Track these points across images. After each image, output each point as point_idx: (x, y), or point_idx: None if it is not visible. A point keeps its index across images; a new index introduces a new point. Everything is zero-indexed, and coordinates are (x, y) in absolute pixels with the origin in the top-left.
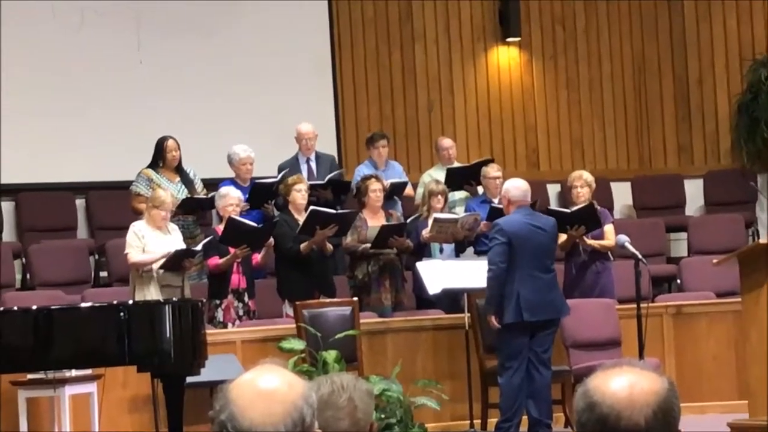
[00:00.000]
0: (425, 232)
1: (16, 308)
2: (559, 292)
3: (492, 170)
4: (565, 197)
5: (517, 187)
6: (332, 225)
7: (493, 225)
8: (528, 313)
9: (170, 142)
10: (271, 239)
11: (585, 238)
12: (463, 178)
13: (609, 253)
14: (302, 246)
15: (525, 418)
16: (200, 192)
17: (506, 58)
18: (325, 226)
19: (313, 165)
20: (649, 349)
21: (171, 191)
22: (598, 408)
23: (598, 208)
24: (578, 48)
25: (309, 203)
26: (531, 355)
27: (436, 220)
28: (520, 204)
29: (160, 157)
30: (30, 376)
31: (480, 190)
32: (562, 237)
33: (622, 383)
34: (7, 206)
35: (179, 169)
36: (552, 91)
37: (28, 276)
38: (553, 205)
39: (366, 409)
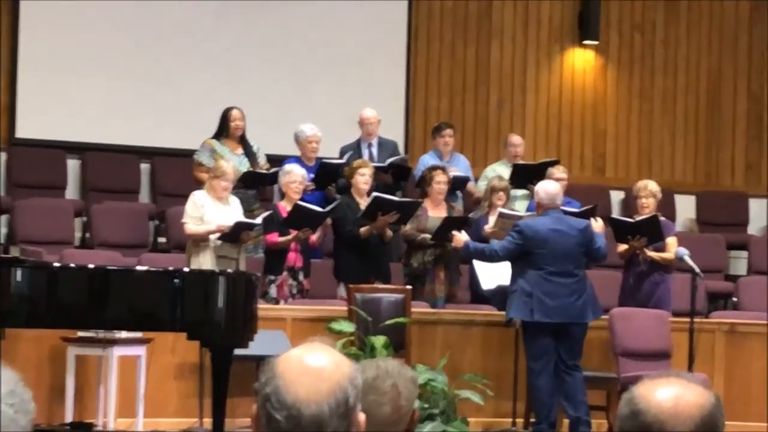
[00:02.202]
0: (488, 227)
1: (73, 265)
2: (586, 298)
3: (557, 171)
4: (629, 205)
5: (545, 190)
6: (394, 212)
7: (515, 225)
8: (540, 314)
9: (235, 112)
10: (328, 219)
11: (645, 249)
12: (527, 176)
13: (669, 265)
14: (362, 230)
15: (566, 420)
16: (263, 166)
17: (582, 61)
18: (387, 212)
19: (375, 150)
20: (699, 364)
21: (233, 163)
22: (642, 416)
23: (662, 219)
24: (655, 57)
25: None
26: (559, 360)
27: (501, 215)
28: (549, 207)
29: (224, 128)
30: (80, 333)
31: None
32: (623, 246)
33: (668, 394)
34: (73, 164)
35: (243, 141)
36: (625, 98)
37: (88, 235)
38: (616, 212)
39: (409, 397)
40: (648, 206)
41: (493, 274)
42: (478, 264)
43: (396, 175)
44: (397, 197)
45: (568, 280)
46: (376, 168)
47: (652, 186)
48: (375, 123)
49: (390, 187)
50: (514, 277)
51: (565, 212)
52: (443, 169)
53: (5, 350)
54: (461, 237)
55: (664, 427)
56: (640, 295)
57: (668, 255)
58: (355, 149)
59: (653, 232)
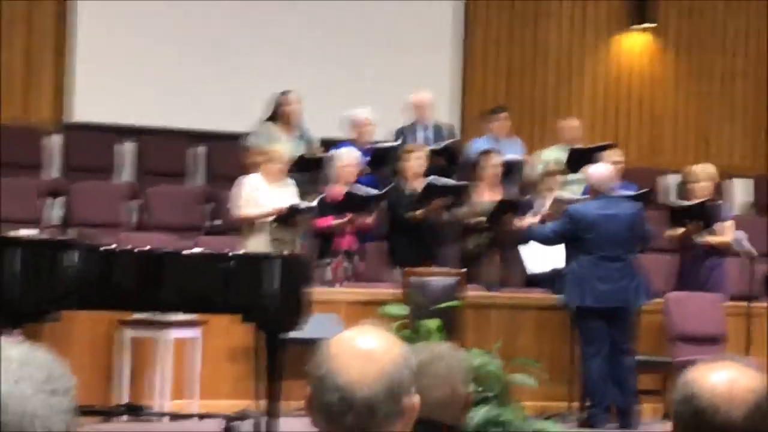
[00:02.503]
0: (543, 211)
1: (128, 247)
2: (637, 282)
3: (613, 155)
4: (686, 189)
5: (597, 173)
6: (448, 196)
7: (565, 210)
8: (591, 298)
9: (291, 95)
10: (383, 203)
11: (702, 233)
12: (584, 160)
13: (725, 249)
14: (417, 213)
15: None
16: (316, 150)
17: (639, 44)
18: (441, 196)
19: (430, 133)
20: (755, 348)
21: (287, 146)
22: (696, 400)
23: (718, 203)
24: (713, 39)
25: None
26: (612, 344)
27: (557, 199)
28: (600, 191)
29: (278, 111)
30: (136, 316)
31: None
32: (679, 230)
33: (723, 378)
34: (129, 147)
35: (297, 125)
36: (682, 81)
37: (144, 217)
38: (673, 196)
39: (463, 380)
40: (705, 190)
41: (542, 258)
42: (523, 247)
43: (450, 158)
44: (453, 180)
45: (618, 264)
46: (430, 151)
47: (709, 169)
48: (429, 106)
49: (443, 170)
50: (568, 261)
51: (621, 196)
52: (497, 152)
53: (61, 332)
54: (525, 221)
55: (718, 411)
56: (696, 280)
57: (724, 239)
58: (409, 132)
59: (709, 216)
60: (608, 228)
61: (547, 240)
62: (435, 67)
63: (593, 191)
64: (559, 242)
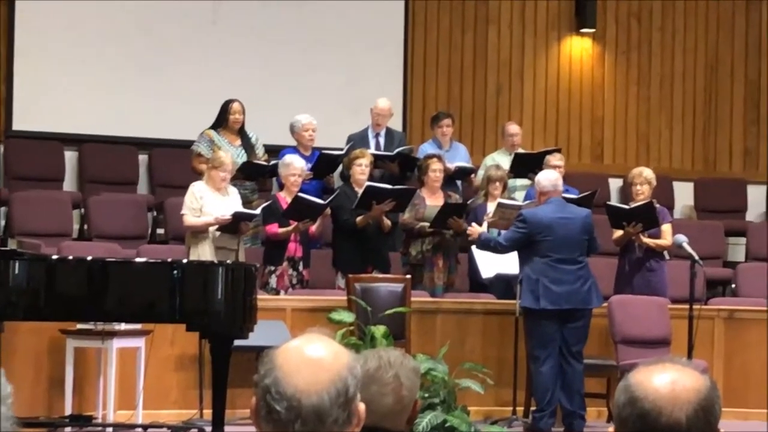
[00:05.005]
0: (486, 217)
1: (71, 257)
2: (590, 284)
3: (554, 159)
4: (627, 192)
5: (546, 178)
6: (389, 200)
7: (518, 214)
8: (546, 301)
9: (235, 105)
10: (328, 210)
11: (641, 236)
12: (528, 165)
13: (664, 252)
14: (358, 219)
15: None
16: (261, 157)
17: (579, 49)
18: (382, 201)
19: (382, 140)
20: (699, 351)
21: (231, 154)
22: (640, 403)
23: (657, 206)
24: (652, 44)
25: (375, 176)
26: (563, 346)
27: (500, 205)
28: (551, 195)
29: (223, 119)
30: (79, 326)
31: None
32: (618, 233)
33: (665, 380)
34: (71, 156)
35: (241, 133)
36: (622, 86)
37: (86, 226)
38: (615, 200)
39: (411, 387)
40: (643, 193)
41: (493, 263)
42: (477, 252)
43: (403, 165)
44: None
45: (573, 267)
46: (384, 158)
47: (648, 173)
48: (387, 115)
49: (397, 177)
50: (521, 265)
51: (568, 200)
52: (439, 158)
53: (4, 343)
54: (476, 229)
55: (662, 413)
56: (635, 282)
57: (664, 242)
58: (362, 138)
59: (648, 218)
60: (564, 231)
61: (499, 248)
62: (379, 73)
63: (544, 195)
64: (513, 249)
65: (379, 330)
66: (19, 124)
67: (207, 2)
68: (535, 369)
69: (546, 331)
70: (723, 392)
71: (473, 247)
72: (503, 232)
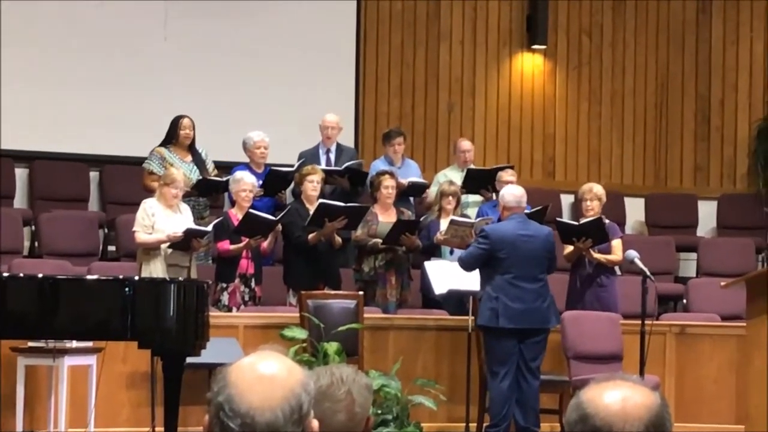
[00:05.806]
0: (439, 234)
1: (22, 275)
2: (549, 302)
3: (506, 175)
4: (578, 208)
5: (511, 193)
6: (341, 218)
7: (480, 230)
8: (505, 319)
9: (185, 121)
10: (279, 226)
11: (591, 252)
12: (481, 181)
13: (615, 267)
14: (310, 236)
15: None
16: (211, 173)
17: (530, 65)
18: (335, 218)
19: (333, 156)
20: (651, 366)
21: (183, 170)
22: (591, 420)
23: (607, 222)
24: (603, 60)
25: (326, 192)
26: (520, 362)
27: (452, 222)
28: (514, 211)
29: (173, 135)
30: (30, 343)
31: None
32: (569, 248)
33: (615, 396)
34: (21, 173)
35: (192, 149)
36: (573, 102)
37: (36, 244)
38: (566, 216)
39: (364, 404)
40: (593, 209)
41: (445, 279)
42: (430, 269)
43: (353, 180)
44: (356, 203)
45: (533, 285)
46: (333, 173)
47: (597, 189)
48: (336, 129)
49: (348, 193)
50: (482, 282)
51: (528, 215)
52: (391, 174)
53: None
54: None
55: (613, 429)
56: (586, 298)
57: (614, 257)
58: (313, 155)
59: (598, 234)
60: (526, 248)
61: (464, 266)
62: (331, 89)
63: (508, 210)
64: (475, 267)
65: (331, 347)
66: None
67: (156, 20)
68: (494, 384)
69: (505, 348)
70: (675, 407)
71: (426, 263)
72: (457, 250)
